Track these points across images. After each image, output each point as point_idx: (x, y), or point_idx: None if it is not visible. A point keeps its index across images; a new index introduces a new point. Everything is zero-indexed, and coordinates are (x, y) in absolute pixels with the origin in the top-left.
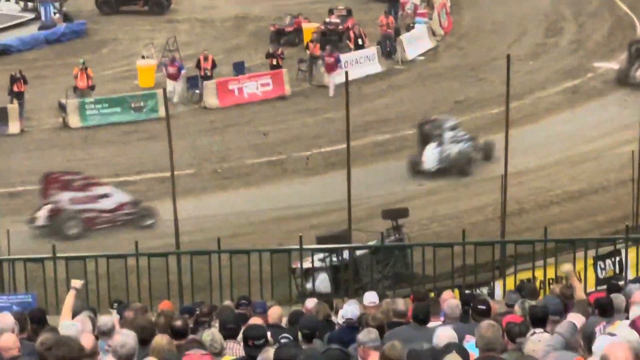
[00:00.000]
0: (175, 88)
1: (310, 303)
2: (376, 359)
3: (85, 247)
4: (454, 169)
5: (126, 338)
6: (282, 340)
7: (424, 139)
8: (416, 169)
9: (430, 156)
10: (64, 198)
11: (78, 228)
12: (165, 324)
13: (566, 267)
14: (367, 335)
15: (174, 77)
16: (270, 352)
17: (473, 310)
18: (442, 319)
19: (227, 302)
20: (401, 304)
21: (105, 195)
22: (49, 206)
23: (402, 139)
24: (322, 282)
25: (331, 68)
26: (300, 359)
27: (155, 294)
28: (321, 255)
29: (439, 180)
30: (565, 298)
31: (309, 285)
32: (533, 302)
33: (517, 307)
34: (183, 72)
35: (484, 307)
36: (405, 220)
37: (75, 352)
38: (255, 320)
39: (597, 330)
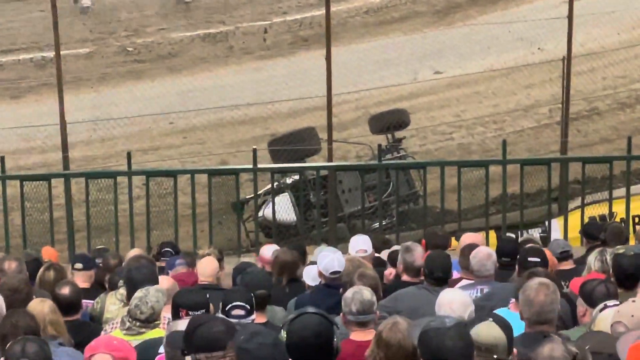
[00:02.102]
0: None
1: (268, 251)
2: (364, 337)
3: None
4: None
5: None
6: (234, 312)
7: None
8: None
9: None
10: None
11: None
12: (53, 285)
13: None
14: (360, 302)
15: None
16: (180, 325)
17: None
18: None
19: (135, 252)
20: (419, 253)
21: None
22: None
23: (412, 1)
24: (282, 206)
25: None
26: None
27: (33, 237)
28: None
29: (468, 65)
30: None
31: (266, 213)
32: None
33: (592, 259)
34: None
35: (508, 260)
36: (406, 132)
37: None
38: (164, 281)
39: None
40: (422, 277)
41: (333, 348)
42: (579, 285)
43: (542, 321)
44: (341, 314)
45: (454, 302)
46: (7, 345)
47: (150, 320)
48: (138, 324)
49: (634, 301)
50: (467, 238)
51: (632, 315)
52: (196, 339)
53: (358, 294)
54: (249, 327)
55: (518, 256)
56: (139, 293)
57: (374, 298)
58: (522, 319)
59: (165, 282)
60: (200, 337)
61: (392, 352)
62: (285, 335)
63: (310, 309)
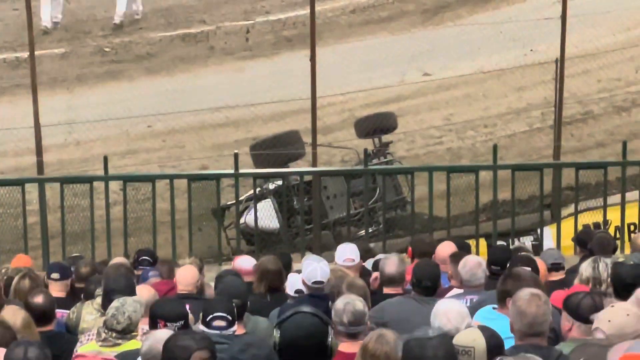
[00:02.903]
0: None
1: (242, 261)
2: (354, 349)
3: None
4: None
5: None
6: (215, 323)
7: None
8: None
9: None
10: None
11: None
12: (28, 293)
13: None
14: (352, 313)
15: None
16: (157, 335)
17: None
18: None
19: (118, 260)
20: (392, 262)
21: None
22: None
23: (399, 0)
24: (265, 212)
25: None
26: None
27: (6, 244)
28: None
29: (458, 67)
30: None
31: (248, 220)
32: (619, 260)
33: (585, 268)
34: None
35: (498, 269)
36: (393, 136)
37: None
38: (143, 291)
39: None
40: (400, 289)
41: (327, 348)
42: (562, 298)
43: (534, 333)
44: (335, 327)
45: (450, 312)
46: (8, 349)
47: (127, 332)
48: (114, 334)
49: (612, 306)
50: (444, 248)
51: (609, 320)
52: (165, 353)
53: (350, 304)
54: (243, 339)
55: (508, 265)
56: (115, 303)
57: (366, 309)
58: (512, 331)
59: (145, 292)
60: (167, 350)
61: None
62: (278, 335)
63: (305, 308)
